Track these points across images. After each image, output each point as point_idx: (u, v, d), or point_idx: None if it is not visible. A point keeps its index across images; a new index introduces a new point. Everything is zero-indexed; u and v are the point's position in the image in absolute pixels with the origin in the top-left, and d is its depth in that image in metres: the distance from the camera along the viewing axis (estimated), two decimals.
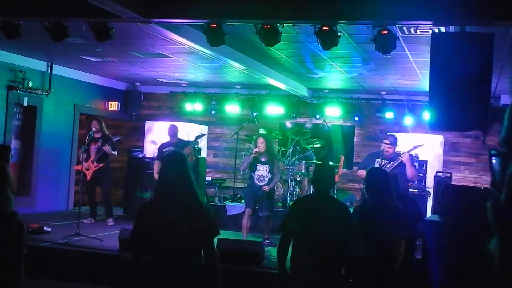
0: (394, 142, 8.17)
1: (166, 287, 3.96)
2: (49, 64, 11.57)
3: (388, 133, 9.44)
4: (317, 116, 13.16)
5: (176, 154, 4.29)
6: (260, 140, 8.99)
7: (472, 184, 11.56)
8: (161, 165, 4.34)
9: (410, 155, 8.26)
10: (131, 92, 14.16)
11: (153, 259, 4.00)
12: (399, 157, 7.99)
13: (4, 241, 3.97)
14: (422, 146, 8.90)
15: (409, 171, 7.98)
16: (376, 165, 7.89)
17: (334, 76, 11.11)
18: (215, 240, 7.60)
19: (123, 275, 4.27)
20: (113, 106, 13.61)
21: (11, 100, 10.77)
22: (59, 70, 11.82)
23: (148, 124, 13.49)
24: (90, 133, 9.87)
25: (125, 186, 12.37)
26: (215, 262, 4.00)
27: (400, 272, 4.98)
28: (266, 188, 8.85)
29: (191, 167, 4.19)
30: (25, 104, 11.04)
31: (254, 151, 8.95)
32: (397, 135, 8.68)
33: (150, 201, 4.28)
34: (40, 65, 11.41)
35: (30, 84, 10.96)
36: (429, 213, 9.81)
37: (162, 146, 10.12)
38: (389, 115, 12.59)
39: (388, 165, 7.89)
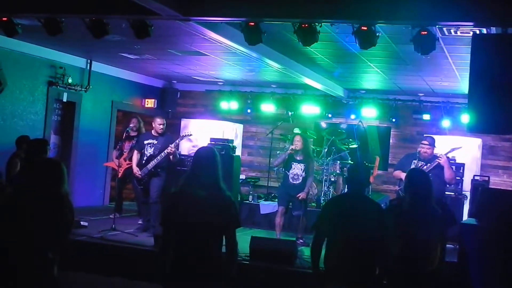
0: (432, 143, 8.08)
1: (189, 272, 4.23)
2: (89, 60, 11.76)
3: (425, 135, 9.33)
4: (353, 117, 13.09)
5: (209, 150, 4.53)
6: (298, 138, 8.98)
7: (510, 188, 11.36)
8: (193, 158, 4.56)
9: (447, 157, 8.16)
10: (167, 90, 14.29)
11: (178, 246, 4.29)
12: (437, 159, 7.90)
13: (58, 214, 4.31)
14: (460, 148, 8.77)
15: (447, 173, 7.88)
16: (413, 166, 7.81)
17: (371, 76, 11.04)
18: (249, 238, 7.71)
19: (155, 260, 4.49)
20: (150, 103, 13.73)
21: (51, 95, 10.97)
22: (98, 67, 12.00)
23: (183, 122, 13.59)
24: (127, 129, 9.94)
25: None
26: (235, 250, 4.37)
27: (435, 274, 4.92)
28: (302, 195, 8.84)
29: (220, 164, 4.45)
30: (65, 100, 11.23)
31: (290, 148, 8.94)
32: (434, 137, 8.57)
33: (179, 190, 4.43)
34: (79, 61, 11.60)
35: (70, 80, 11.14)
36: (465, 216, 9.68)
37: (144, 138, 9.38)
38: (426, 116, 12.46)
39: (425, 167, 7.80)
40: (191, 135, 9.36)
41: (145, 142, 9.19)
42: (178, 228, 4.31)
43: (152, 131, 9.32)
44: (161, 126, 9.17)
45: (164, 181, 9.10)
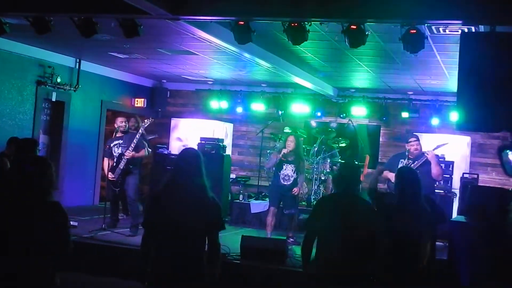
0: (419, 139, 8.16)
1: (171, 274, 4.22)
2: (77, 60, 11.71)
3: (413, 133, 9.38)
4: (343, 115, 13.11)
5: (191, 151, 4.51)
6: (291, 138, 8.99)
7: (499, 186, 11.42)
8: (176, 159, 4.53)
9: (436, 155, 8.19)
10: (157, 89, 14.26)
11: (161, 247, 4.27)
12: (424, 155, 7.94)
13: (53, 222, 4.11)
14: (446, 145, 8.80)
15: (435, 169, 7.90)
16: (401, 165, 7.82)
17: (360, 75, 11.06)
18: (239, 237, 7.69)
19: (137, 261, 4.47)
20: (140, 102, 13.70)
21: (40, 95, 10.91)
22: (87, 66, 11.94)
23: (173, 121, 13.58)
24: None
25: (150, 182, 12.43)
26: (218, 252, 4.41)
27: (424, 272, 4.94)
28: (296, 190, 8.87)
29: (205, 164, 4.40)
30: (54, 99, 11.17)
31: (282, 152, 8.93)
32: (424, 135, 8.65)
33: (161, 192, 4.40)
34: (68, 61, 11.54)
35: (59, 80, 11.09)
36: (455, 214, 9.73)
37: (109, 143, 9.57)
38: (415, 115, 12.50)
39: (413, 165, 7.82)
40: (153, 119, 9.57)
41: (112, 145, 9.37)
42: (160, 229, 4.28)
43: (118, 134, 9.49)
44: (124, 124, 9.41)
45: (138, 177, 9.29)
